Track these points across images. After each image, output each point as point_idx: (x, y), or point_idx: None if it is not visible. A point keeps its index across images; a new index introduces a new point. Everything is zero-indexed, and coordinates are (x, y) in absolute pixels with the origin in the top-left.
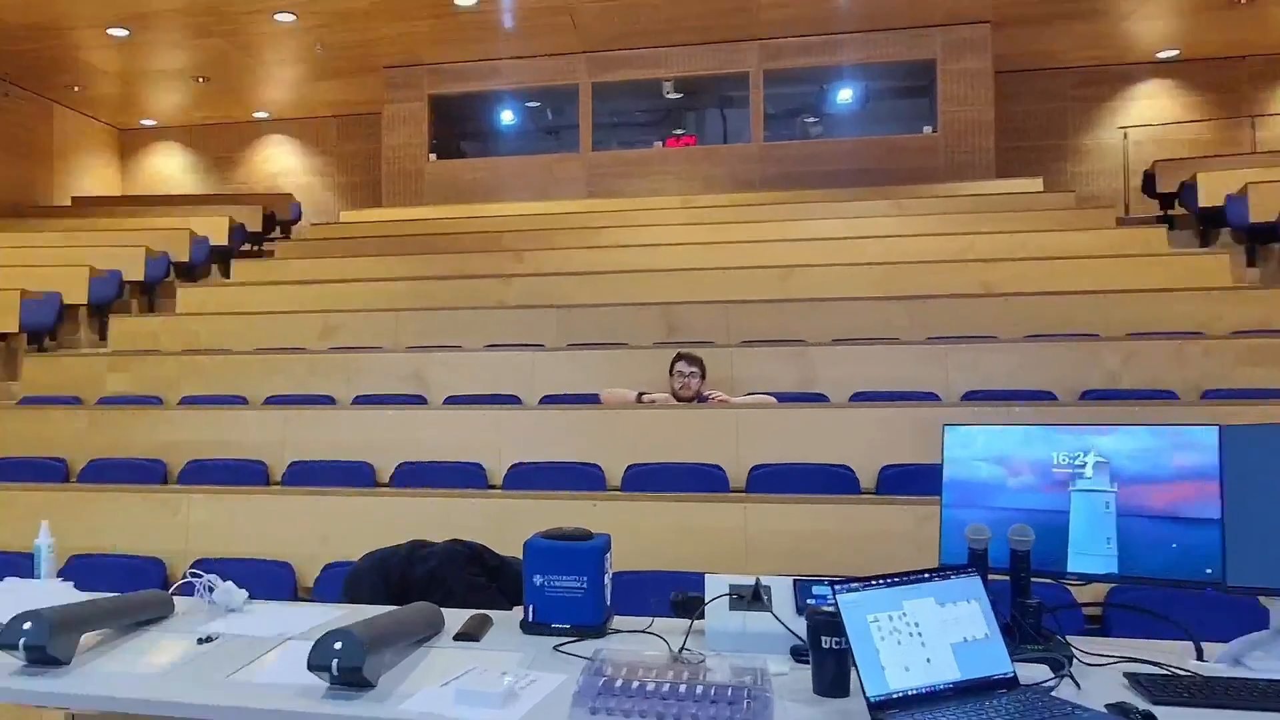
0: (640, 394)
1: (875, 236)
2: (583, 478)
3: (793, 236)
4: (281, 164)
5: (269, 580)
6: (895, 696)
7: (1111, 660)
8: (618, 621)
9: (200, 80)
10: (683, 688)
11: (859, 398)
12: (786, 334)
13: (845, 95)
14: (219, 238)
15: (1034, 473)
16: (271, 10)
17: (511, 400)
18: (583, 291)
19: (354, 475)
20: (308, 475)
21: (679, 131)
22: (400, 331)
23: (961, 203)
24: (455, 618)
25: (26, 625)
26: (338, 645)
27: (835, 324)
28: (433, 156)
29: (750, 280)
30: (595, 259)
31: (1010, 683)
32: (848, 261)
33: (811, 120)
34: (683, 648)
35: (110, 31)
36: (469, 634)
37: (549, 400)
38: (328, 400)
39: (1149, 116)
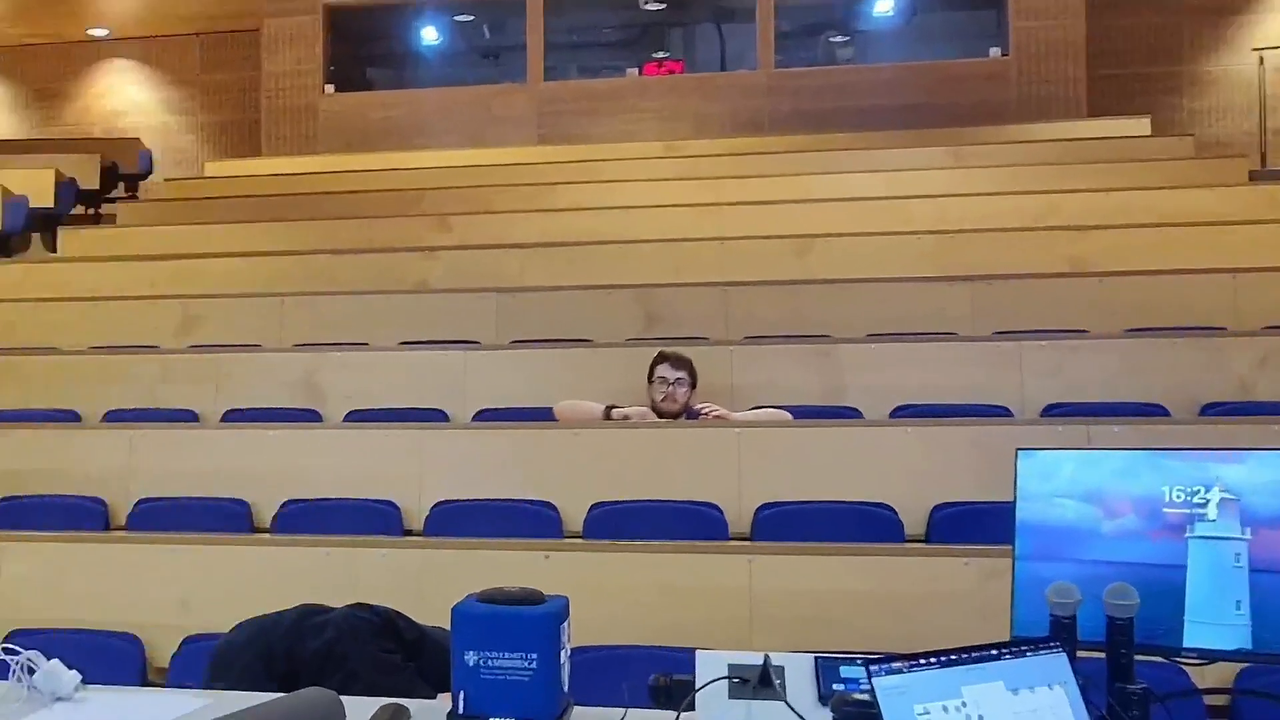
0: (609, 408)
1: (925, 196)
2: (532, 520)
3: (814, 196)
4: (126, 98)
5: (109, 658)
6: None
7: None
8: (578, 714)
9: None
10: None
11: (902, 413)
12: (805, 327)
13: (884, 5)
14: (40, 198)
15: (1139, 514)
16: None
17: (436, 416)
18: (532, 270)
19: (223, 517)
20: (161, 517)
21: (660, 55)
22: (286, 324)
23: (1040, 151)
24: (360, 709)
25: None
26: None
27: (871, 314)
28: (330, 89)
29: (757, 255)
30: (548, 226)
31: None
32: (888, 230)
33: (839, 40)
34: None
35: None
36: None
37: (486, 416)
38: (188, 416)
39: None
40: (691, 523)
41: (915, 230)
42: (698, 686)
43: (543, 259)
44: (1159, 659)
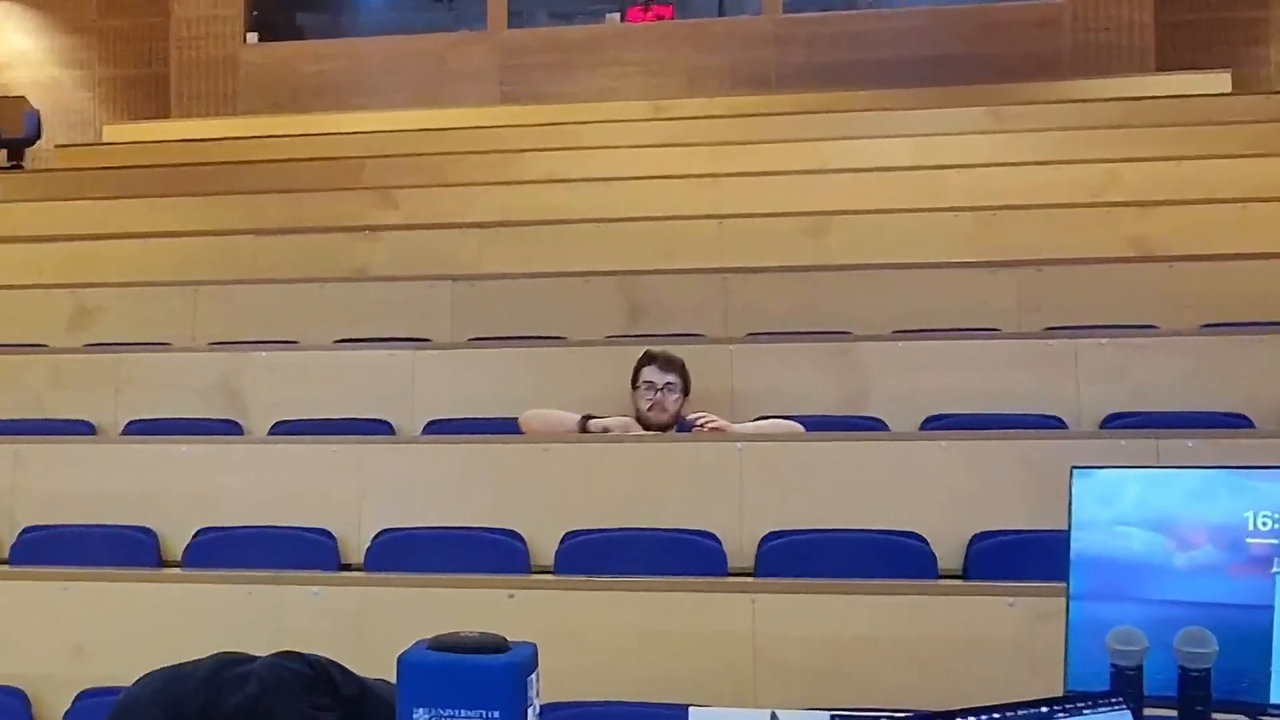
0: (586, 418)
1: (962, 166)
2: (493, 552)
3: (829, 166)
4: (8, 48)
5: None
6: None
7: None
8: None
9: None
10: None
11: (936, 424)
12: (820, 322)
13: None
14: None
15: (1217, 544)
16: None
17: (379, 428)
18: (493, 254)
19: (125, 548)
20: (51, 548)
21: None
22: (200, 318)
23: (1100, 111)
24: None
25: None
26: None
27: (898, 306)
28: (252, 38)
29: (762, 236)
30: (513, 202)
31: None
32: (918, 206)
33: None
34: None
35: None
36: None
37: (439, 428)
38: (83, 428)
39: None
40: (684, 555)
41: (951, 206)
42: None
43: (507, 241)
44: (1241, 717)
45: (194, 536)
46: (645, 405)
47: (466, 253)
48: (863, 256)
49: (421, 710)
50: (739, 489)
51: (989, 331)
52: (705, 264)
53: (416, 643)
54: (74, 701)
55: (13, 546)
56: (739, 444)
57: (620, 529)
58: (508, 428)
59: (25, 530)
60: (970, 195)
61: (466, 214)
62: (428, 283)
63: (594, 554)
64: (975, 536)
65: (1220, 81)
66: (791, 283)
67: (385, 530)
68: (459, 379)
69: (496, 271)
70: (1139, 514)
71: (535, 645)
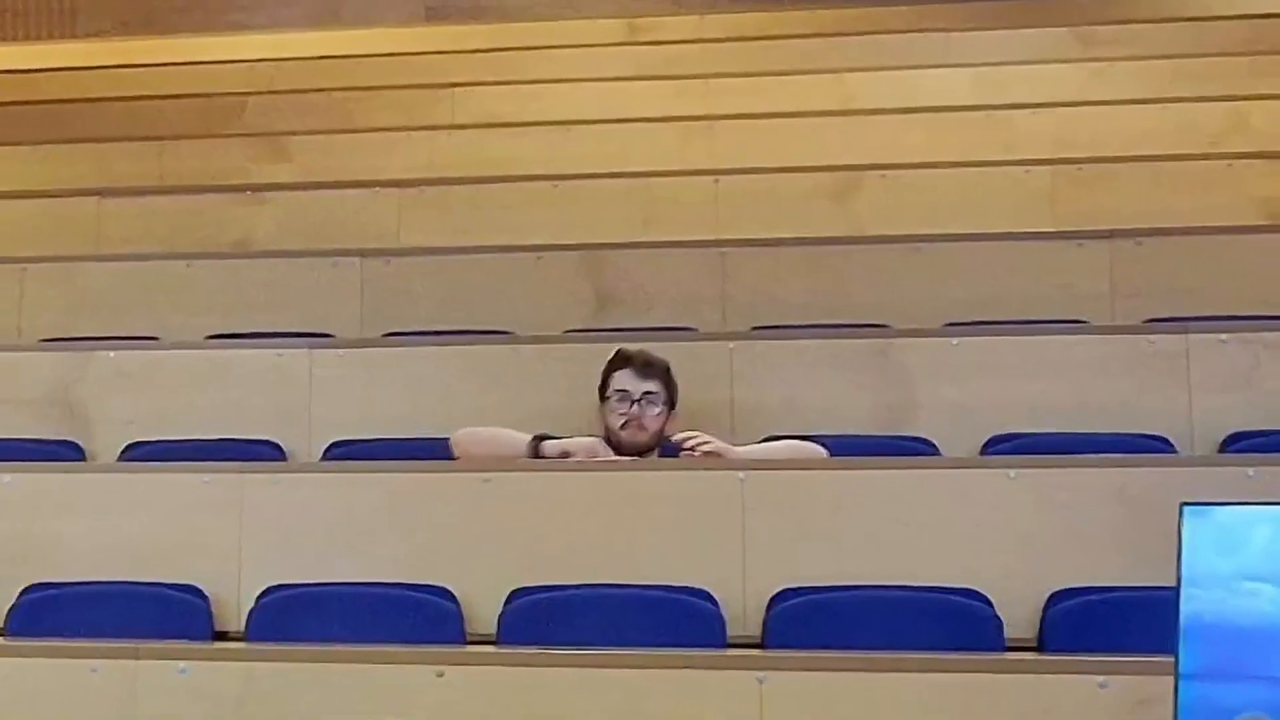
0: (539, 439)
1: (1038, 105)
2: (416, 616)
3: (860, 106)
4: None
5: None
6: None
7: None
8: None
9: None
10: None
11: (1001, 447)
12: (849, 312)
13: None
14: None
15: None
16: None
17: (265, 452)
18: (416, 222)
19: None
20: None
21: None
22: (28, 306)
23: (1220, 33)
24: None
25: None
26: None
27: (952, 291)
28: None
29: (771, 199)
30: (442, 153)
31: None
32: (978, 158)
33: None
34: None
35: None
36: None
37: (343, 452)
38: None
39: None
40: (669, 620)
41: (1023, 159)
42: None
43: (434, 204)
44: None
45: (19, 595)
46: (618, 422)
47: (381, 220)
48: (904, 225)
49: None
50: (741, 532)
51: (1072, 325)
52: (696, 235)
53: None
54: None
55: None
56: (741, 473)
57: (585, 585)
58: (435, 451)
59: None
60: (1049, 144)
61: (381, 169)
62: (330, 260)
63: (549, 618)
64: (1054, 595)
65: None
66: (810, 260)
67: (274, 587)
68: (371, 387)
69: (420, 245)
70: (1271, 566)
71: None
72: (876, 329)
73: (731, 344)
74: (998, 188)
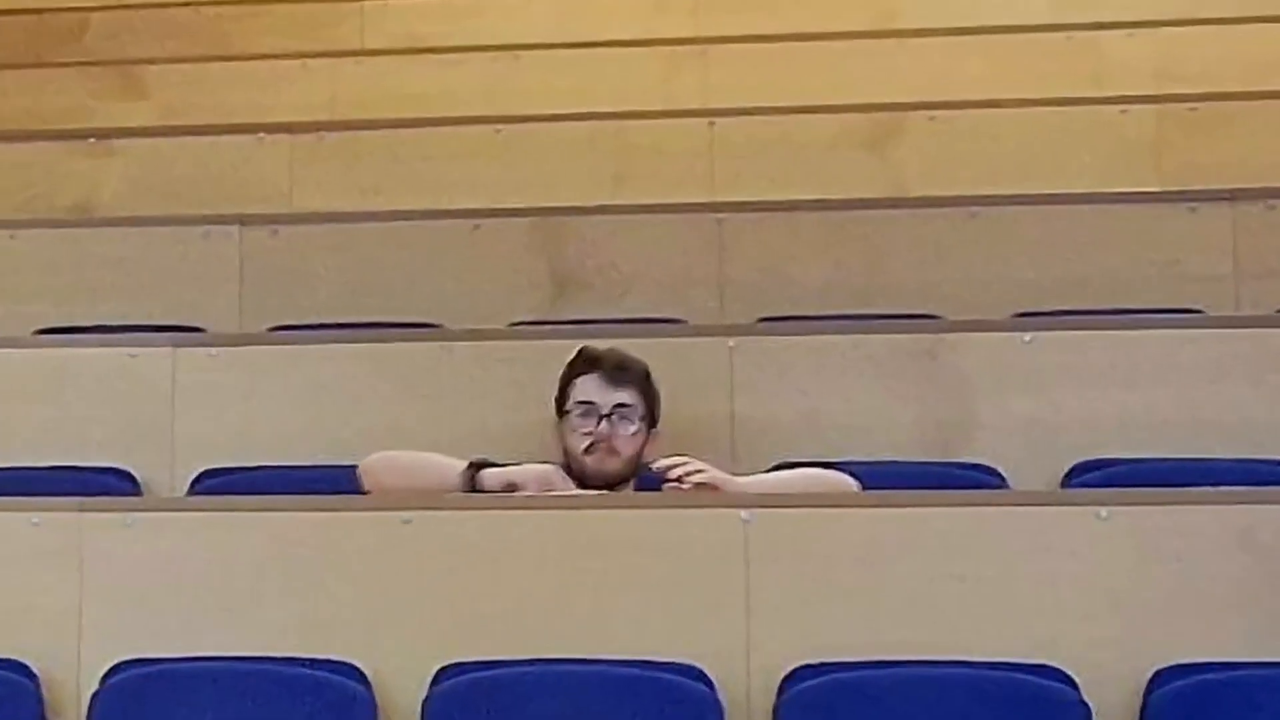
0: (476, 467)
1: (1136, 25)
2: (315, 701)
3: (902, 25)
4: None
5: None
6: None
7: None
8: None
9: None
10: None
11: (1087, 477)
12: (887, 297)
13: None
14: None
15: None
16: None
17: (112, 483)
18: (312, 179)
19: None
20: None
21: None
22: None
23: None
24: None
25: None
26: None
27: (1023, 270)
28: None
29: (785, 147)
30: (347, 87)
31: None
32: (1058, 95)
33: None
34: None
35: None
36: None
37: (217, 483)
38: None
39: None
40: (649, 706)
41: (1116, 96)
42: None
43: (337, 156)
44: None
45: None
46: (581, 444)
47: (267, 176)
48: (959, 183)
49: None
50: (744, 590)
51: (1183, 315)
52: (685, 197)
53: None
54: None
55: None
56: (744, 512)
57: (537, 661)
58: (339, 483)
59: None
60: (1150, 76)
61: (267, 108)
62: (200, 229)
63: (490, 705)
64: (1159, 674)
65: None
66: (835, 230)
67: (125, 663)
68: (253, 398)
69: (320, 209)
70: None
71: None
72: (922, 321)
73: (731, 340)
74: (1082, 133)
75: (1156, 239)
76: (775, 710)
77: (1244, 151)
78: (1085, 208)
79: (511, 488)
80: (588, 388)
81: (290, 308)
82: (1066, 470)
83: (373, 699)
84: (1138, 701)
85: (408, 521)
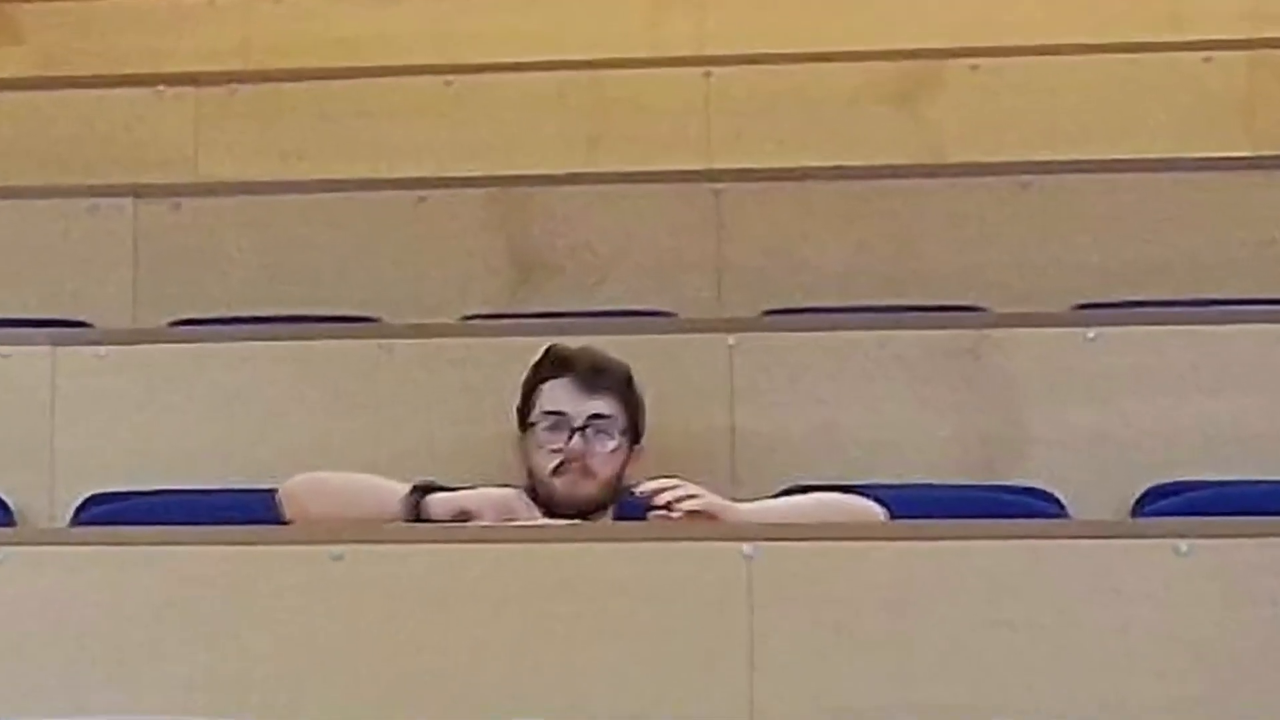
0: (421, 490)
1: None
2: None
3: None
4: None
5: None
6: None
7: None
8: None
9: None
10: None
11: (1163, 503)
12: (919, 285)
13: None
14: None
15: None
16: None
17: None
18: (225, 142)
19: None
20: None
21: None
22: None
23: None
24: None
25: None
26: None
27: (1085, 252)
28: None
29: (798, 102)
30: (266, 28)
31: None
32: (1123, 40)
33: None
34: None
35: None
36: None
37: (106, 510)
38: None
39: None
40: None
41: (1197, 41)
42: None
43: (252, 113)
44: None
45: None
46: (549, 463)
47: (168, 137)
48: (1007, 147)
49: None
50: (747, 641)
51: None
52: (675, 163)
53: None
54: None
55: None
56: (747, 545)
57: None
58: (254, 510)
59: None
60: (1237, 16)
61: (166, 54)
62: (85, 202)
63: None
64: None
65: None
66: (857, 202)
67: None
68: (149, 408)
69: (229, 178)
70: None
71: None
72: (963, 314)
73: (731, 338)
74: (1158, 86)
75: (1248, 214)
76: None
77: None
78: (1161, 176)
79: (464, 516)
80: (557, 395)
81: (196, 298)
82: (1138, 495)
83: None
84: None
85: (338, 558)
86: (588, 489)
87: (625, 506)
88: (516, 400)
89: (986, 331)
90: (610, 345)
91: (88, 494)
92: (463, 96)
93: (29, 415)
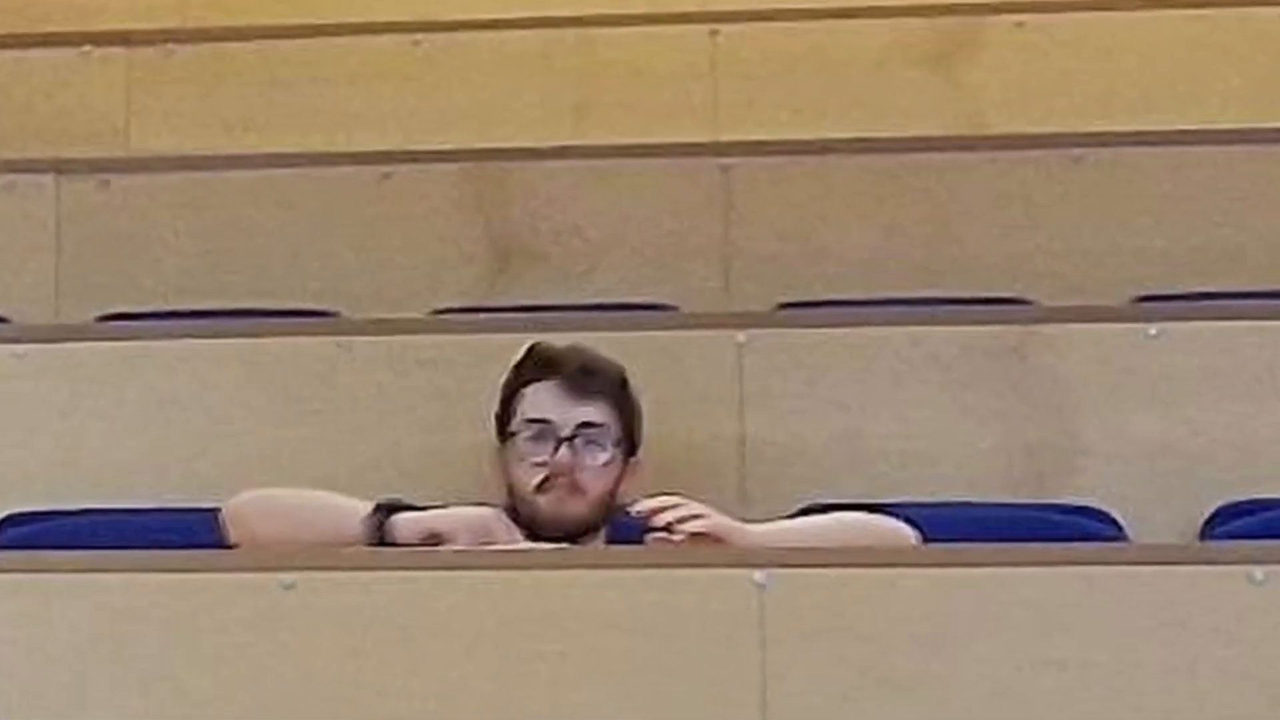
0: (386, 510)
1: None
2: None
3: None
4: None
5: None
6: None
7: None
8: None
9: None
10: None
11: (1236, 524)
12: (957, 276)
13: None
14: None
15: None
16: None
17: None
18: (161, 110)
19: None
20: None
21: None
22: None
23: None
24: None
25: None
26: None
27: (1146, 236)
28: None
29: (818, 66)
30: None
31: None
32: None
33: None
34: None
35: None
36: None
37: (25, 532)
38: None
39: None
40: None
41: None
42: None
43: (192, 77)
44: None
45: None
46: (532, 479)
47: (93, 105)
48: (1056, 116)
49: None
50: (758, 680)
51: None
52: (676, 136)
53: None
54: None
55: None
56: (759, 573)
57: None
58: (194, 532)
59: None
60: None
61: (91, 12)
62: (1, 179)
63: None
64: None
65: None
66: (885, 180)
67: None
68: (74, 415)
69: (165, 152)
70: None
71: None
72: (1007, 308)
73: (741, 334)
74: (1229, 46)
75: None
76: None
77: None
78: (1233, 150)
79: (434, 539)
80: (541, 400)
81: (126, 289)
82: (1207, 515)
83: None
84: None
85: (290, 586)
86: (576, 508)
87: (619, 528)
88: (495, 406)
89: (1034, 327)
90: (602, 343)
91: (3, 514)
92: (433, 58)
93: None
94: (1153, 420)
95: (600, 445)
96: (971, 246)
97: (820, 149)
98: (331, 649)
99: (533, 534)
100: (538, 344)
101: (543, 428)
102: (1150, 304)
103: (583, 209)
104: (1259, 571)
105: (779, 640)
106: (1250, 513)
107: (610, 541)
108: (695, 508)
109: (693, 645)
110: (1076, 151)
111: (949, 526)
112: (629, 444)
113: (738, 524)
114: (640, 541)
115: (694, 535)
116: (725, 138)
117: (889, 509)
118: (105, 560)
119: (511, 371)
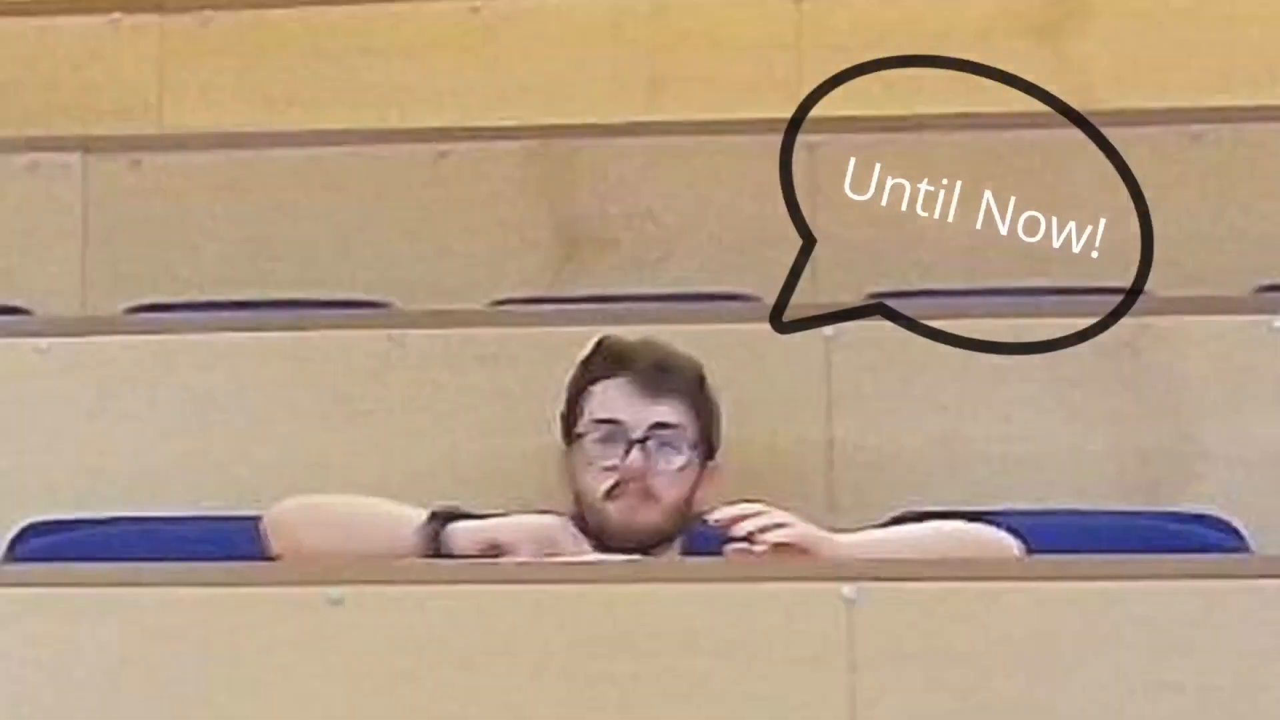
0: (443, 518)
1: None
2: None
3: None
4: None
5: None
6: None
7: None
8: None
9: None
10: None
11: None
12: (1063, 267)
13: None
14: None
15: None
16: None
17: None
18: (198, 85)
19: None
20: None
21: None
22: None
23: None
24: None
25: None
26: None
27: (1273, 222)
28: None
29: (913, 34)
30: None
31: None
32: None
33: None
34: None
35: None
36: None
37: (49, 542)
38: None
39: None
40: None
41: None
42: None
43: (227, 48)
44: None
45: None
46: (602, 485)
47: (124, 79)
48: (1174, 90)
49: None
50: (848, 703)
51: None
52: (758, 112)
53: None
54: None
55: None
56: (848, 586)
57: None
58: (234, 543)
59: None
60: None
61: None
62: (24, 158)
63: None
64: None
65: None
66: (986, 159)
67: None
68: (102, 416)
69: (201, 129)
70: None
71: None
72: (1119, 297)
73: (829, 329)
74: None
75: None
76: None
77: None
78: None
79: (495, 550)
80: (611, 399)
81: (159, 278)
82: None
83: None
84: None
85: (337, 602)
86: (649, 516)
87: (696, 538)
88: (560, 406)
89: (1149, 320)
90: (677, 337)
91: (25, 522)
92: (493, 27)
93: None
94: (1278, 421)
95: (675, 448)
96: (1078, 232)
97: (915, 125)
98: (382, 671)
99: (602, 544)
100: (607, 338)
101: (613, 429)
102: (1275, 294)
103: (656, 191)
104: None
105: (870, 661)
106: None
107: (686, 553)
108: (779, 516)
109: (776, 667)
110: (1195, 128)
111: (1056, 537)
112: (706, 447)
113: (825, 534)
114: (719, 553)
115: (777, 546)
116: (812, 114)
117: (990, 518)
118: (136, 573)
119: (579, 368)
